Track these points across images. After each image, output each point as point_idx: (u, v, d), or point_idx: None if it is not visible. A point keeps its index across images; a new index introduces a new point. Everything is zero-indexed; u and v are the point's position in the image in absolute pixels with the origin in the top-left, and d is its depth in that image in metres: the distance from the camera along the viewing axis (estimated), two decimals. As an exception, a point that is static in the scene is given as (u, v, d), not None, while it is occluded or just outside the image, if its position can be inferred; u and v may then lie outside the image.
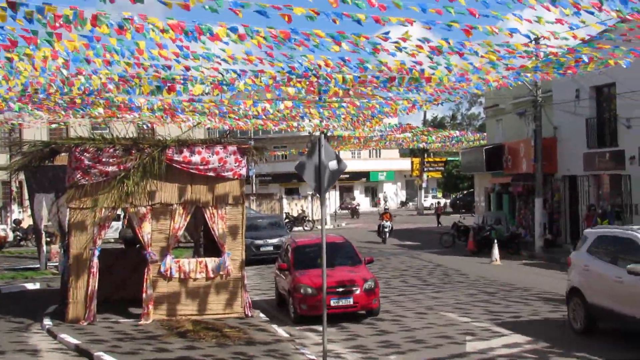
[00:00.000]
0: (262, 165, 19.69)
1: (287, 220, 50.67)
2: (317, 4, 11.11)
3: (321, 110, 25.00)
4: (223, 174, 17.70)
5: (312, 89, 18.75)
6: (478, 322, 16.92)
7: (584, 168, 33.73)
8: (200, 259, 18.05)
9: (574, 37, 15.12)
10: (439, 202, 65.81)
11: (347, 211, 74.34)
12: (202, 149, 17.67)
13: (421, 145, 61.64)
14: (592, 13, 13.13)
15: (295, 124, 30.43)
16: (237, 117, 27.56)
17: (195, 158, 17.55)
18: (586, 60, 16.29)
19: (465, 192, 75.79)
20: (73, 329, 16.20)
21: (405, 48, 14.25)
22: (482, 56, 15.07)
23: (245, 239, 18.24)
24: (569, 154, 34.96)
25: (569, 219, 34.96)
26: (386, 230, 42.33)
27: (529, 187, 37.46)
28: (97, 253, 17.22)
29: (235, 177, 17.81)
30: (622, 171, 31.04)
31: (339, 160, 13.84)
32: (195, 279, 17.59)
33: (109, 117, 22.75)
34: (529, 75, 18.49)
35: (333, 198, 69.11)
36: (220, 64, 15.12)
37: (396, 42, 13.73)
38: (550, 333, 15.43)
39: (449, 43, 13.95)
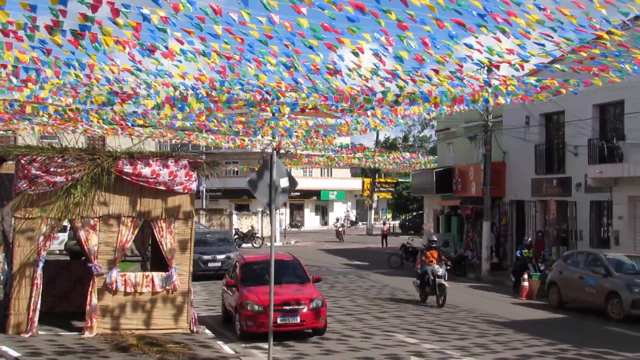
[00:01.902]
0: (213, 180, 19.58)
1: (236, 236, 50.42)
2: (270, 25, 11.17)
3: (273, 127, 25.06)
4: (173, 187, 17.56)
5: (264, 106, 18.78)
6: (426, 343, 17.01)
7: (531, 193, 34.25)
8: (147, 273, 17.86)
9: (522, 67, 15.41)
10: (384, 223, 66.29)
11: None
12: (153, 161, 17.51)
13: (373, 166, 62.10)
14: (542, 45, 13.43)
15: (247, 140, 30.44)
16: (189, 132, 27.51)
17: (146, 170, 17.38)
18: (537, 89, 16.62)
19: (414, 213, 76.27)
20: (14, 341, 15.88)
21: (358, 69, 14.38)
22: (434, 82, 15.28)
23: (193, 254, 18.11)
24: (517, 179, 35.48)
25: (516, 243, 35.41)
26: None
27: (477, 210, 37.88)
28: (41, 264, 16.92)
29: (186, 191, 17.69)
30: (568, 198, 31.59)
31: (291, 178, 13.86)
32: (141, 293, 17.38)
33: (61, 126, 22.49)
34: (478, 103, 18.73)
35: (283, 216, 69.00)
36: (171, 78, 15.11)
37: (351, 67, 13.86)
38: (497, 355, 15.58)
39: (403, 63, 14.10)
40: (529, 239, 30.48)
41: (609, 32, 13.95)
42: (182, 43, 11.78)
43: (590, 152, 29.72)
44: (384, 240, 55.29)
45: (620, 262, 22.51)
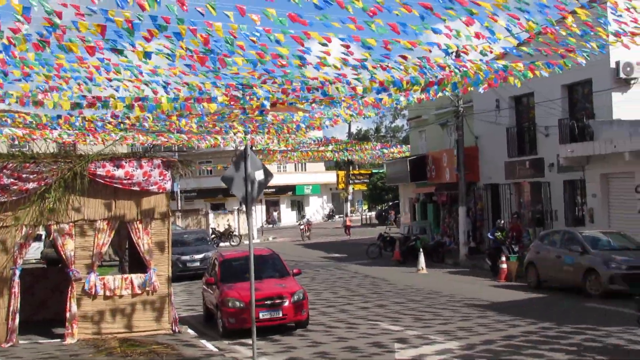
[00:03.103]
0: (188, 181, 19.57)
1: (213, 235, 50.29)
2: (238, 19, 11.11)
3: (245, 123, 24.97)
4: (148, 187, 17.45)
5: (235, 102, 18.68)
6: (411, 330, 17.06)
7: (505, 176, 34.48)
8: (125, 276, 17.74)
9: (491, 51, 15.49)
10: (346, 216, 66.62)
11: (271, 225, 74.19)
12: (126, 162, 17.39)
13: (346, 158, 62.15)
14: (508, 29, 13.50)
15: (220, 137, 30.32)
16: (161, 132, 27.33)
17: (119, 172, 17.25)
18: (504, 73, 16.68)
19: (390, 203, 76.46)
20: (-6, 352, 15.72)
21: (326, 61, 14.35)
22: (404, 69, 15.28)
23: (171, 255, 18.02)
24: (490, 162, 35.70)
25: (492, 227, 35.59)
26: None
27: (452, 196, 38.07)
28: (18, 272, 16.75)
29: (161, 190, 17.58)
30: (541, 178, 31.83)
31: (266, 171, 13.84)
32: (121, 296, 17.27)
33: (29, 136, 22.32)
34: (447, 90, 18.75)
35: (259, 212, 68.89)
36: (142, 77, 15.00)
37: (320, 56, 13.82)
38: (482, 338, 15.67)
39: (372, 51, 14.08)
40: (502, 222, 30.72)
41: (573, 12, 14.06)
42: (149, 40, 11.67)
43: (561, 132, 29.96)
44: (346, 231, 57.37)
45: (595, 239, 22.72)
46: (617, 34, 15.50)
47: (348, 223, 59.49)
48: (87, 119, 20.41)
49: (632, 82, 26.94)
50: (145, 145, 31.02)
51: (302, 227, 58.51)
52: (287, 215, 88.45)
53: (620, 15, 14.68)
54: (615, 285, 20.61)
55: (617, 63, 26.63)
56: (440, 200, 40.94)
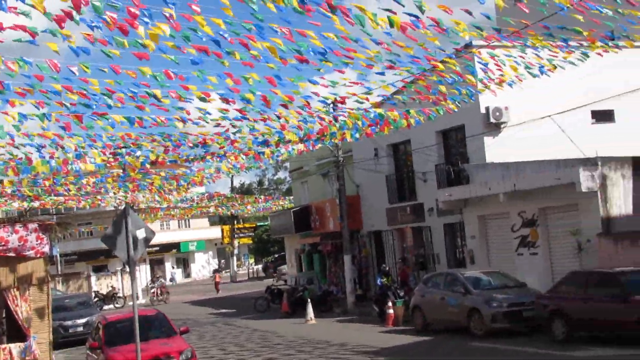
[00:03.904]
0: (67, 243, 19.01)
1: (96, 298, 48.86)
2: (111, 76, 11.02)
3: (125, 183, 24.62)
4: (24, 253, 16.88)
5: (114, 163, 18.44)
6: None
7: (387, 223, 35.08)
8: (3, 346, 17.00)
9: (367, 99, 15.90)
10: (215, 271, 66.25)
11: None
12: (0, 228, 16.80)
13: (230, 213, 61.89)
14: (382, 73, 13.91)
15: (100, 197, 29.75)
16: (36, 195, 26.57)
17: (-7, 239, 16.64)
18: (380, 122, 17.13)
19: (277, 255, 76.37)
20: None
21: (209, 114, 14.40)
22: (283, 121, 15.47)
23: (52, 320, 17.41)
24: (372, 210, 36.28)
25: (378, 272, 36.06)
26: None
27: (337, 245, 38.40)
28: None
29: (38, 255, 17.05)
30: (422, 223, 32.56)
31: (147, 229, 13.64)
32: (-1, 368, 16.55)
33: None
34: (325, 140, 19.08)
35: (143, 272, 67.44)
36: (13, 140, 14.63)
37: (201, 110, 13.84)
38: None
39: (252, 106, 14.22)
40: (386, 267, 31.19)
41: (443, 62, 14.64)
42: (23, 95, 11.39)
43: (438, 177, 30.83)
44: (216, 287, 57.46)
45: (477, 279, 23.34)
46: (483, 82, 16.21)
47: (217, 279, 59.22)
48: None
49: (502, 126, 28.05)
50: (21, 209, 30.07)
51: (153, 290, 54.49)
52: (172, 274, 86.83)
53: (487, 64, 15.37)
54: (497, 324, 21.14)
55: (487, 108, 27.68)
56: (326, 250, 41.22)
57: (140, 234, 13.50)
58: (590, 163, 22.86)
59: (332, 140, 20.41)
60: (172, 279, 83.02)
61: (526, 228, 25.88)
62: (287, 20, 9.66)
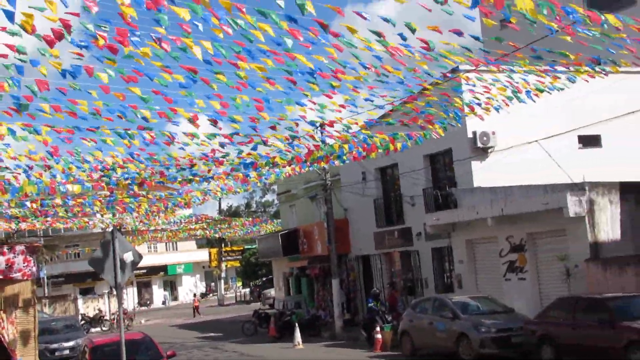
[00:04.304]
0: (54, 265, 18.88)
1: (83, 321, 48.53)
2: (101, 96, 11.02)
3: (113, 205, 24.54)
4: (11, 275, 16.76)
5: (101, 184, 18.38)
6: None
7: (375, 247, 35.03)
8: (-12, 369, 16.84)
9: (356, 123, 15.94)
10: (195, 295, 66.21)
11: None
12: (-14, 250, 16.69)
13: (217, 235, 61.76)
14: (371, 100, 13.96)
15: (87, 220, 29.63)
16: (23, 217, 26.47)
17: (-21, 261, 16.52)
18: (367, 146, 17.15)
19: (264, 278, 76.14)
20: None
21: (196, 137, 14.39)
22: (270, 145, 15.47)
23: (38, 343, 17.25)
24: (360, 234, 36.24)
25: (366, 297, 35.96)
26: None
27: (325, 268, 38.29)
28: None
29: (25, 277, 16.93)
30: (410, 247, 32.52)
31: (135, 252, 13.57)
32: (-17, 391, 16.35)
33: None
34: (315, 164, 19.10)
35: (131, 294, 67.08)
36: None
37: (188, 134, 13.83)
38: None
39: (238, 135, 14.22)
40: (377, 290, 31.11)
41: (433, 84, 14.70)
42: (10, 115, 11.38)
43: (426, 201, 30.84)
44: (195, 312, 57.27)
45: (465, 304, 23.29)
46: (470, 106, 16.28)
47: (196, 304, 59.07)
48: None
49: (490, 150, 28.14)
50: (9, 230, 29.93)
51: (114, 316, 52.83)
52: (160, 297, 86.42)
53: (474, 86, 15.42)
54: (486, 349, 21.07)
55: (474, 133, 27.74)
56: (314, 274, 41.10)
57: (128, 257, 13.43)
58: (577, 188, 22.93)
59: (319, 164, 20.43)
60: (164, 302, 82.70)
61: (514, 253, 25.87)
62: (277, 42, 9.68)
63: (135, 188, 19.00)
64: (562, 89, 15.84)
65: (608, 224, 22.93)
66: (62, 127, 12.72)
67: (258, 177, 21.72)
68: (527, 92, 15.66)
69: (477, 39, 12.15)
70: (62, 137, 13.03)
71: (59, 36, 8.62)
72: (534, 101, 16.82)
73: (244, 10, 8.88)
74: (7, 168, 15.56)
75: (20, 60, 9.47)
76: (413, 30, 10.19)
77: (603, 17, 10.72)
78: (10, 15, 7.88)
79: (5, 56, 9.50)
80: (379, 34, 10.41)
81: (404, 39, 10.80)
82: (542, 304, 23.49)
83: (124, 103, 11.58)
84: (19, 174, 16.08)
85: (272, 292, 55.09)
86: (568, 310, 19.17)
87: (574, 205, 22.46)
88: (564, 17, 10.63)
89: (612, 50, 12.70)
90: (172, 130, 13.88)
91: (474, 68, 14.36)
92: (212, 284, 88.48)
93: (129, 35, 9.04)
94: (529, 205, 23.95)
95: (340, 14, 9.49)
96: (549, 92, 15.97)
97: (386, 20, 9.93)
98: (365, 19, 9.70)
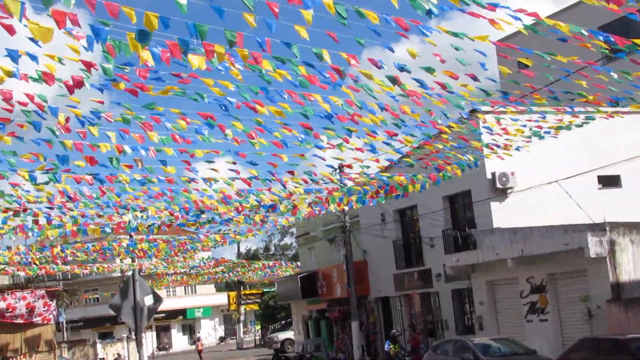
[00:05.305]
0: (74, 310, 18.93)
1: (102, 366, 48.48)
2: (119, 139, 11.14)
3: (131, 250, 24.61)
4: (32, 319, 16.81)
5: (121, 229, 18.48)
6: None
7: (395, 288, 34.84)
8: (8, 414, 16.80)
9: (377, 161, 15.97)
10: (198, 339, 65.68)
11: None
12: (8, 295, 16.76)
13: (236, 279, 61.63)
14: (388, 144, 14.00)
15: (105, 265, 29.71)
16: (42, 264, 26.54)
17: (0, 305, 16.59)
18: (387, 188, 17.18)
19: (283, 322, 75.77)
20: None
21: (217, 181, 14.48)
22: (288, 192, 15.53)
23: (57, 388, 17.24)
24: (379, 275, 36.07)
25: (385, 339, 35.69)
26: None
27: (344, 311, 38.09)
28: None
29: (45, 322, 16.98)
30: (430, 289, 32.33)
31: (155, 295, 13.58)
32: None
33: None
34: (333, 205, 19.11)
35: (149, 338, 66.87)
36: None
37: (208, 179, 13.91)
38: None
39: (257, 179, 14.31)
40: (395, 332, 30.88)
41: (449, 126, 14.73)
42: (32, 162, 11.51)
43: (445, 242, 30.72)
44: (200, 356, 56.75)
45: (486, 346, 23.05)
46: (490, 146, 16.28)
47: (199, 347, 58.51)
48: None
49: (509, 191, 28.08)
50: (30, 274, 30.04)
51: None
52: (179, 341, 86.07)
53: (492, 129, 15.45)
54: (508, 391, 20.85)
55: (493, 174, 27.73)
56: (333, 316, 40.88)
57: (148, 300, 13.44)
58: (598, 228, 22.78)
59: (339, 206, 20.44)
60: (164, 347, 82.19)
61: (535, 294, 25.65)
62: (294, 84, 9.75)
63: (155, 230, 19.06)
64: (580, 126, 15.81)
65: (630, 264, 22.74)
66: (83, 174, 12.83)
67: (277, 220, 21.75)
68: (547, 131, 15.65)
69: (493, 80, 12.21)
70: (81, 186, 13.16)
71: (78, 83, 8.75)
72: (555, 137, 16.78)
73: (260, 59, 8.95)
74: (25, 211, 15.67)
75: (41, 105, 9.61)
76: (432, 72, 10.25)
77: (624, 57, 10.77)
78: (34, 59, 8.02)
79: (25, 104, 9.64)
80: (394, 80, 10.46)
81: (421, 83, 10.87)
82: (564, 345, 23.21)
83: (143, 145, 11.68)
84: (38, 217, 16.19)
85: (279, 335, 54.62)
86: (590, 352, 18.94)
87: (594, 246, 22.30)
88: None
89: (630, 90, 12.70)
90: (190, 175, 13.93)
91: (492, 109, 14.40)
92: (234, 327, 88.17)
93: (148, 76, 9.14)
94: (549, 246, 23.79)
95: (356, 62, 9.52)
96: (568, 129, 15.94)
97: (401, 69, 9.98)
98: (379, 67, 9.75)
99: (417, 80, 10.87)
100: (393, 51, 9.58)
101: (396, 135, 13.55)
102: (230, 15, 7.60)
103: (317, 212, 20.69)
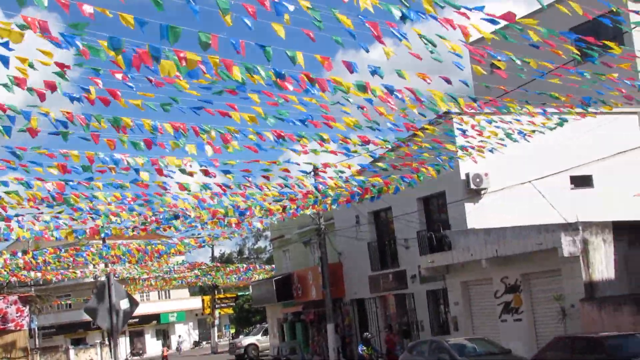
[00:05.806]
0: (46, 316, 18.70)
1: (75, 372, 48.05)
2: (91, 146, 11.04)
3: (104, 256, 24.44)
4: (4, 326, 16.63)
5: (95, 233, 18.33)
6: None
7: (370, 290, 34.86)
8: None
9: (349, 167, 15.98)
10: (165, 345, 65.14)
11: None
12: (-21, 302, 16.56)
13: (210, 282, 61.33)
14: (363, 144, 13.99)
15: (78, 271, 29.45)
16: (13, 273, 26.29)
17: (-28, 313, 16.38)
18: (361, 192, 17.20)
19: (258, 325, 75.55)
20: None
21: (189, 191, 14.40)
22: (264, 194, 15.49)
23: (31, 395, 17.05)
24: (355, 277, 36.08)
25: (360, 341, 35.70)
26: None
27: (320, 313, 38.07)
28: None
29: (18, 328, 16.81)
30: (405, 290, 32.38)
31: (131, 299, 13.48)
32: None
33: None
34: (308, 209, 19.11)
35: (123, 344, 66.40)
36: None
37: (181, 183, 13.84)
38: None
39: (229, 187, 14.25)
40: (368, 335, 30.87)
41: (422, 129, 14.76)
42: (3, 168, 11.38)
43: (420, 243, 30.78)
44: None
45: (462, 346, 23.11)
46: (464, 148, 16.34)
47: (165, 353, 57.88)
48: None
49: (482, 192, 28.20)
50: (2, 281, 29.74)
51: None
52: (153, 345, 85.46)
53: (466, 131, 15.50)
54: (483, 391, 20.92)
55: (467, 175, 27.83)
56: (308, 319, 40.83)
57: (124, 304, 13.32)
58: (571, 228, 22.95)
59: (313, 209, 20.43)
60: (178, 348, 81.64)
61: (509, 294, 25.79)
62: (268, 84, 9.68)
63: (131, 232, 18.93)
64: (553, 129, 15.93)
65: (602, 263, 22.92)
66: (54, 181, 12.71)
67: (251, 223, 21.68)
68: (520, 132, 15.75)
69: (466, 84, 12.23)
70: (53, 191, 13.02)
71: (51, 88, 8.65)
72: (528, 141, 16.89)
73: (232, 66, 8.86)
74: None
75: (12, 110, 9.49)
76: (404, 76, 10.25)
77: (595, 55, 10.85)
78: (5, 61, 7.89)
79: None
80: (364, 88, 10.44)
81: (391, 91, 10.86)
82: (538, 344, 23.36)
83: (115, 152, 11.59)
84: (9, 222, 16.03)
85: (243, 341, 54.09)
86: (565, 350, 19.06)
87: (568, 245, 22.46)
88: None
89: (602, 91, 12.80)
90: (164, 180, 13.82)
91: (465, 112, 14.44)
92: (190, 335, 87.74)
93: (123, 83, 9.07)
94: (523, 246, 23.93)
95: (329, 67, 9.47)
96: (542, 133, 16.06)
97: (373, 73, 9.96)
98: (351, 72, 9.72)
99: (386, 87, 10.86)
100: (368, 51, 9.57)
101: (368, 143, 13.56)
102: (205, 13, 7.54)
103: (290, 214, 20.66)
